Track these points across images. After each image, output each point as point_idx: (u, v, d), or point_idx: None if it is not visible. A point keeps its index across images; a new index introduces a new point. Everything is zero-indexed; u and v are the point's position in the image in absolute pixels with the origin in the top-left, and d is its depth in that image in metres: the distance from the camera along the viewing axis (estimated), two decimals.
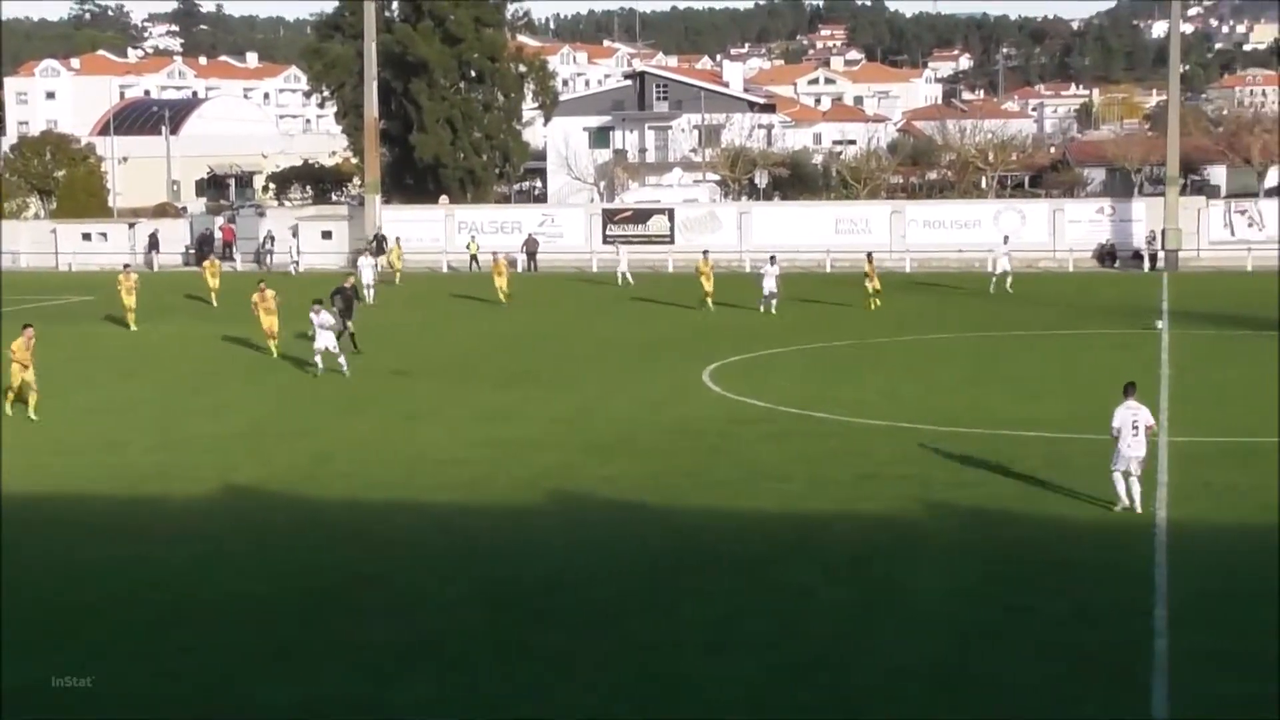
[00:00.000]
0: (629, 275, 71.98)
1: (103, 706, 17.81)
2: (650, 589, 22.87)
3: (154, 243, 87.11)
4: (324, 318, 43.25)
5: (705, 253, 63.10)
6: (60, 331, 52.11)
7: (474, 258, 79.75)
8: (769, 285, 56.80)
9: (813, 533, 26.06)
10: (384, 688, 18.81)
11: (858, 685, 18.63)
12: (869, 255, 60.10)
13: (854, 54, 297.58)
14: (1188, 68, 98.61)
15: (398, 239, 77.41)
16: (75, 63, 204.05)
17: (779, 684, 18.75)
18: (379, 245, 79.01)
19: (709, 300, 59.03)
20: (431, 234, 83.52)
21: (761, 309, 56.48)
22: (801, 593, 22.29)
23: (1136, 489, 24.59)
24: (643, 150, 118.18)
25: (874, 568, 23.68)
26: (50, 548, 25.62)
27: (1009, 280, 64.18)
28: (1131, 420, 23.97)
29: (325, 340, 42.77)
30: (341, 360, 42.74)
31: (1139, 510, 24.62)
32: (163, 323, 56.20)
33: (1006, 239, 71.24)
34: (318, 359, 42.76)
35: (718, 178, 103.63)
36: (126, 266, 62.34)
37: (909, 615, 21.32)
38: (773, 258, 58.65)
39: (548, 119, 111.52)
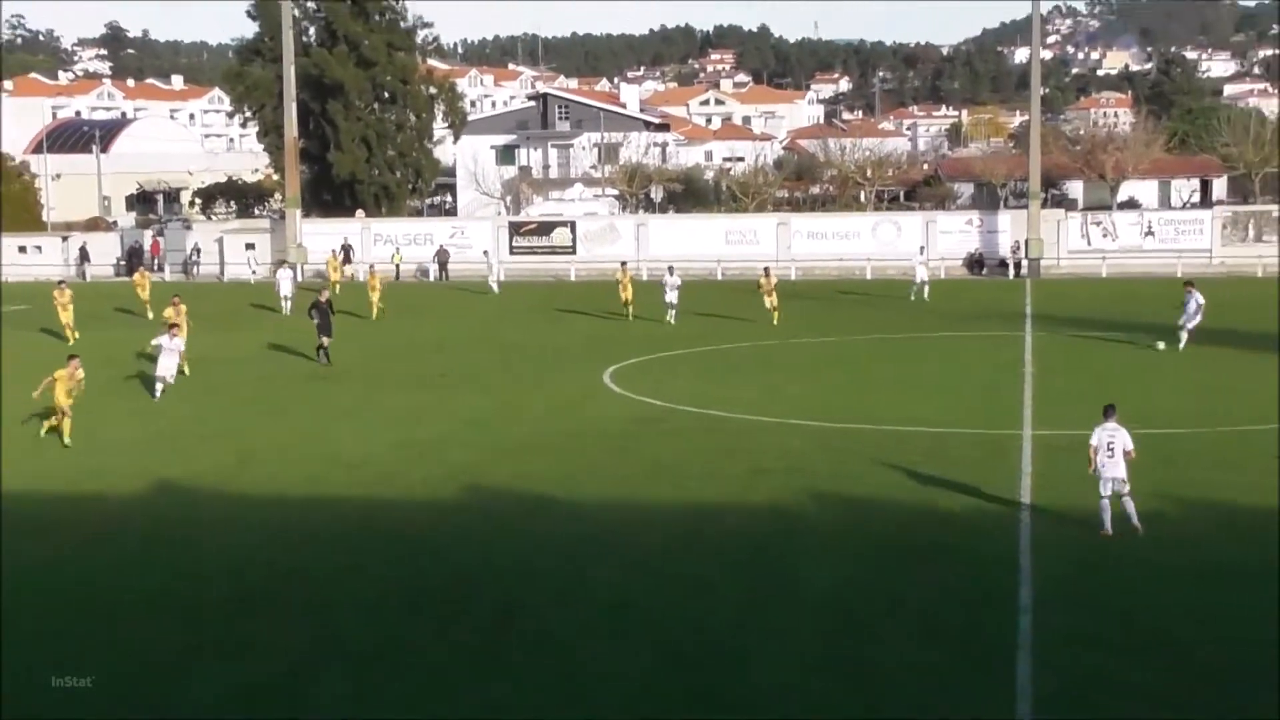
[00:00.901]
0: (495, 285, 71.74)
1: (23, 704, 17.50)
2: (558, 581, 22.77)
3: (85, 255, 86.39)
4: (176, 341, 40.25)
5: (623, 264, 61.77)
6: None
7: (398, 267, 79.67)
8: (671, 294, 55.55)
9: (708, 524, 26.04)
10: (303, 683, 18.68)
11: (752, 673, 18.66)
12: (766, 270, 58.36)
13: (742, 77, 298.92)
14: (1047, 91, 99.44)
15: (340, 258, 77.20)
16: (8, 84, 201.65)
17: (678, 672, 18.72)
18: (346, 255, 79.77)
19: (629, 307, 57.41)
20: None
21: (667, 318, 55.36)
22: (698, 583, 22.25)
23: (1130, 506, 23.26)
24: (546, 167, 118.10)
25: (765, 557, 23.71)
26: None
27: (926, 289, 63.90)
28: (1108, 441, 23.17)
29: (167, 366, 39.67)
30: (167, 383, 39.79)
31: (1138, 528, 23.20)
32: (97, 332, 55.48)
33: (922, 249, 71.95)
34: (159, 385, 39.65)
35: (616, 192, 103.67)
36: (61, 283, 60.67)
37: (795, 600, 21.41)
38: (671, 268, 57.85)
39: (457, 137, 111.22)
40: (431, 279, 71.42)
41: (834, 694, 17.89)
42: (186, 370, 41.96)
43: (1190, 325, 45.34)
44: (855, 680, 18.33)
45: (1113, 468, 22.53)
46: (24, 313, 62.29)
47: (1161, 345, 44.96)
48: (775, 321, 54.19)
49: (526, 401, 39.30)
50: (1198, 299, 45.14)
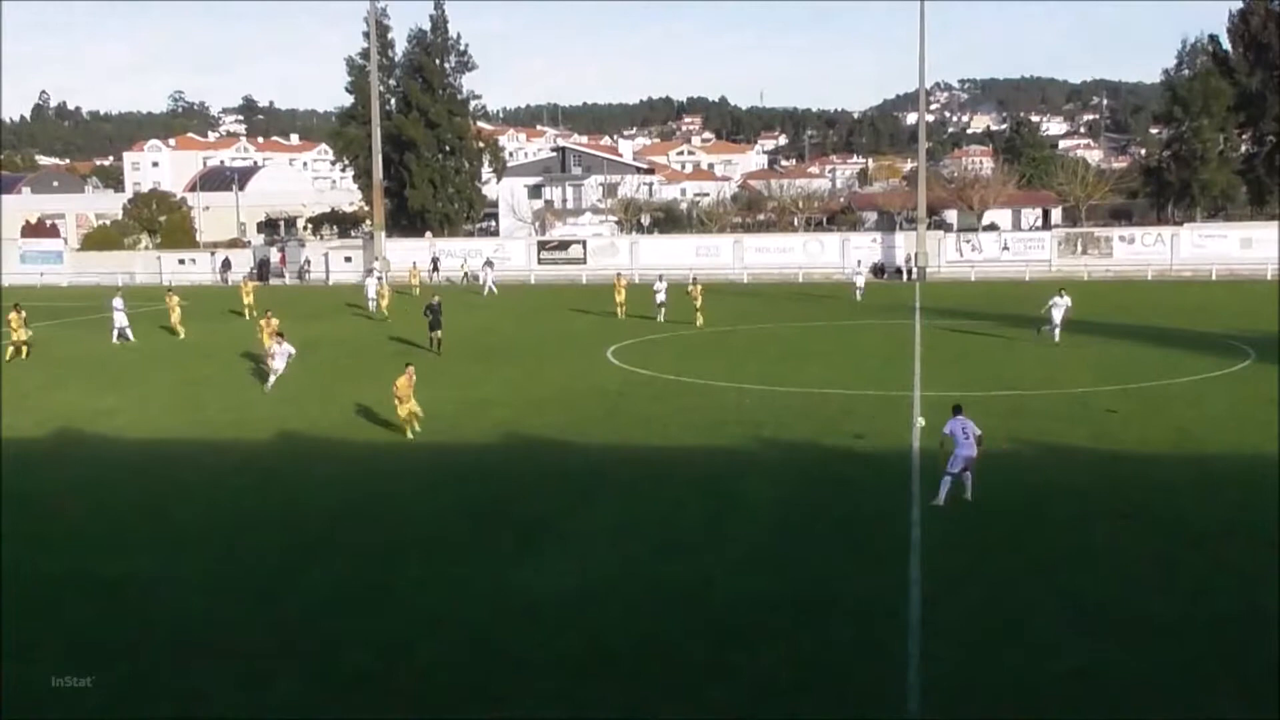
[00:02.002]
0: (494, 288, 70.60)
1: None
2: (571, 500, 22.90)
3: (227, 264, 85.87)
4: (285, 347, 36.38)
5: (619, 275, 59.63)
6: (155, 329, 51.83)
7: (465, 274, 78.83)
8: (660, 296, 53.61)
9: (681, 459, 26.15)
10: (388, 571, 18.84)
11: (712, 560, 18.79)
12: (694, 279, 56.29)
13: (707, 134, 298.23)
14: (931, 144, 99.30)
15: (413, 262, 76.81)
16: (172, 142, 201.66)
17: (659, 559, 18.94)
18: (435, 265, 79.55)
19: (621, 309, 54.49)
20: (421, 259, 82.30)
21: (659, 317, 52.27)
22: (674, 501, 22.37)
23: (969, 479, 21.64)
24: (564, 200, 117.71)
25: (723, 483, 23.78)
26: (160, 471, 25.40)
27: (860, 293, 62.04)
28: (962, 428, 21.59)
29: (279, 365, 35.98)
30: (279, 374, 35.90)
31: (969, 498, 21.61)
32: (226, 324, 55.48)
33: (860, 262, 71.35)
34: (271, 378, 35.96)
35: (616, 219, 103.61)
36: (170, 288, 58.49)
37: (746, 514, 21.53)
38: (661, 276, 56.46)
39: (499, 179, 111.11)
40: (481, 282, 71.17)
41: (772, 577, 18.05)
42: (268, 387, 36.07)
43: (1059, 320, 42.96)
44: (787, 568, 18.49)
45: (968, 448, 21.26)
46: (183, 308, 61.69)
47: (1049, 332, 42.86)
48: (699, 322, 50.29)
49: (548, 371, 39.26)
50: (1067, 301, 43.38)
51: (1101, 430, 27.89)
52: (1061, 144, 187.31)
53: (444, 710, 13.91)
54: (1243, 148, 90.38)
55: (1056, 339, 42.48)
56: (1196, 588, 17.29)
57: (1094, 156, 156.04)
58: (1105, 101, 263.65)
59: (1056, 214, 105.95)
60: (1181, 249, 74.74)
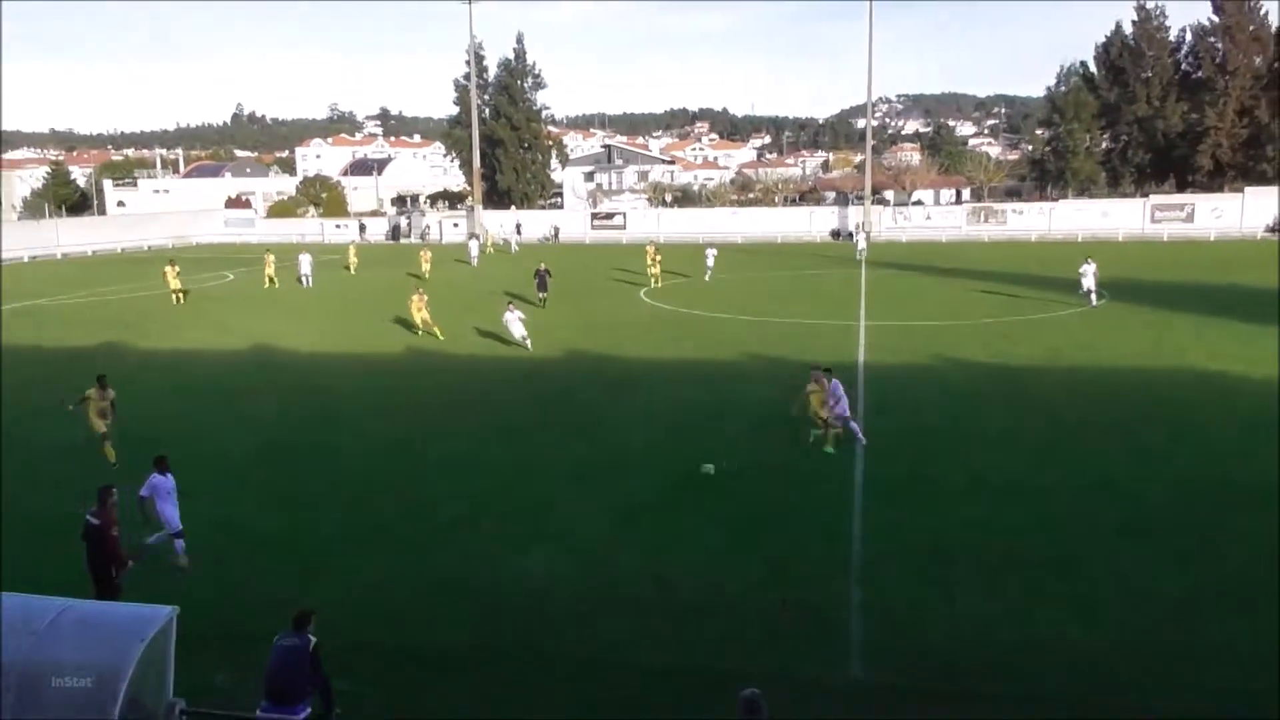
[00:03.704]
0: (514, 245, 68.07)
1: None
2: (607, 396, 22.78)
3: (363, 228, 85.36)
4: (517, 314, 29.35)
5: (652, 246, 50.01)
6: (324, 270, 51.42)
7: (553, 234, 78.45)
8: (710, 261, 47.26)
9: (694, 369, 25.87)
10: (481, 445, 18.83)
11: (711, 441, 18.64)
12: (652, 243, 50.94)
13: (713, 135, 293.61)
14: (875, 142, 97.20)
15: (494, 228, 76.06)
16: (329, 140, 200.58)
17: (672, 437, 18.76)
18: (518, 228, 75.91)
19: (656, 280, 45.56)
20: (507, 223, 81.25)
21: (706, 277, 46.09)
22: (689, 401, 22.16)
23: (856, 426, 18.40)
24: (610, 184, 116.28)
25: (722, 385, 23.61)
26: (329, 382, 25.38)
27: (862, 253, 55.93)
28: (834, 392, 18.55)
29: (517, 329, 28.90)
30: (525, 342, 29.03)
31: (830, 451, 17.96)
32: (383, 270, 55.37)
33: (859, 226, 67.00)
34: (526, 341, 28.74)
35: (647, 197, 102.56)
36: (268, 251, 52.48)
37: (737, 410, 21.20)
38: (711, 244, 50.03)
39: (563, 168, 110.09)
40: (549, 242, 70.38)
41: (752, 454, 17.87)
42: (529, 344, 28.97)
43: (1091, 285, 34.89)
44: (768, 449, 18.30)
45: (843, 409, 18.51)
46: (335, 260, 60.95)
47: (1084, 296, 34.89)
48: (656, 284, 44.29)
49: (595, 307, 38.93)
50: (1093, 267, 35.19)
51: (995, 350, 27.49)
52: (971, 142, 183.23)
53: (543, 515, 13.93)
54: (1103, 144, 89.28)
55: (1094, 303, 34.25)
56: (1066, 464, 17.07)
57: (995, 151, 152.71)
58: (1003, 110, 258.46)
59: (966, 193, 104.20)
60: (1055, 220, 73.33)
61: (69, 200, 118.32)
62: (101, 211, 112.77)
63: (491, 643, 11.16)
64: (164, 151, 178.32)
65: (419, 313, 32.02)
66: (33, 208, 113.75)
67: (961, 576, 12.59)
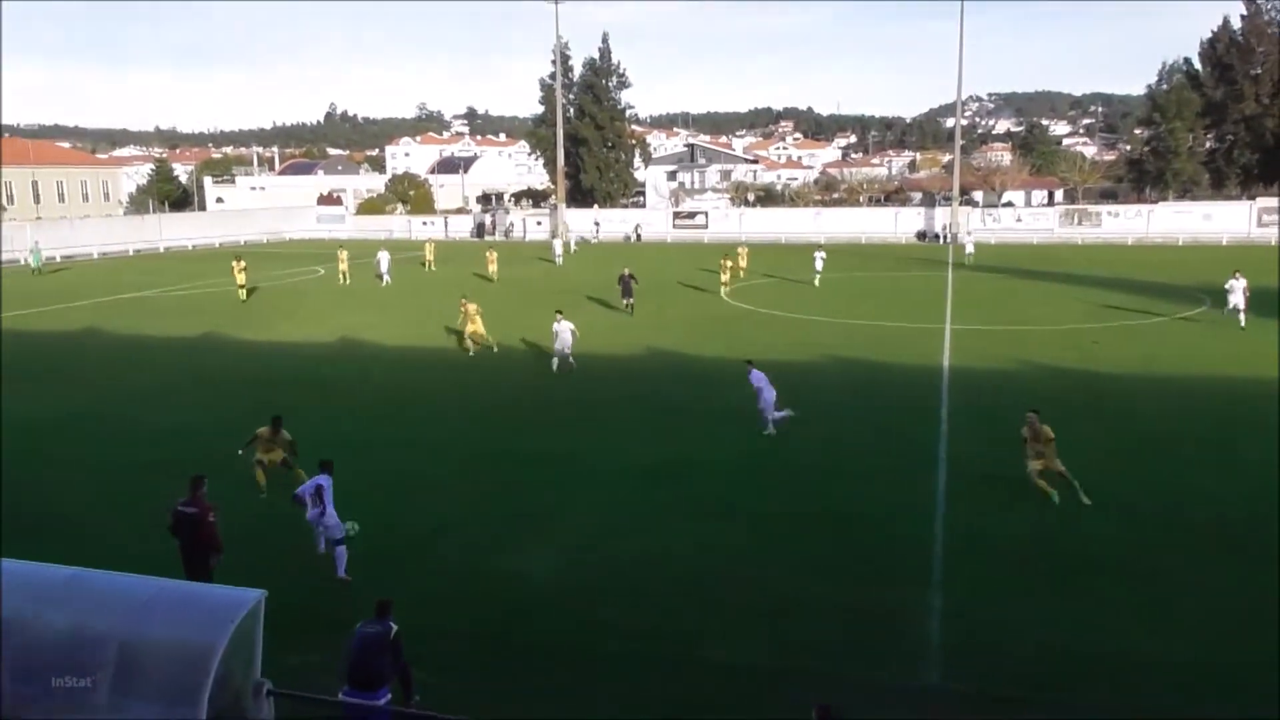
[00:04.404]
0: (573, 245, 67.03)
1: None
2: (681, 388, 22.73)
3: (447, 224, 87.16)
4: (563, 325, 26.04)
5: (737, 253, 47.42)
6: (402, 267, 52.44)
7: (635, 233, 78.83)
8: (819, 264, 45.01)
9: (769, 369, 25.61)
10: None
11: (780, 439, 18.45)
12: (740, 250, 48.74)
13: (797, 134, 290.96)
14: (965, 141, 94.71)
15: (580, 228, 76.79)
16: (418, 138, 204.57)
17: (744, 436, 18.67)
18: (597, 228, 78.00)
19: (739, 275, 45.28)
20: (589, 221, 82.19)
21: (815, 282, 44.25)
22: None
23: (782, 416, 18.73)
24: (693, 183, 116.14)
25: (798, 380, 23.14)
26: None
27: (969, 256, 54.10)
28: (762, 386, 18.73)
29: (564, 339, 25.77)
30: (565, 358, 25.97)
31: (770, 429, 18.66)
32: (461, 267, 56.23)
33: (970, 232, 63.56)
34: (568, 358, 25.84)
35: (730, 196, 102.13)
36: (341, 247, 52.36)
37: (810, 398, 20.75)
38: (820, 246, 48.71)
39: (646, 166, 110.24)
40: (631, 241, 70.59)
41: (820, 454, 17.72)
42: (555, 364, 26.16)
43: (1240, 304, 30.52)
44: (836, 447, 18.10)
45: (766, 400, 18.64)
46: (416, 255, 62.10)
47: (1232, 314, 30.80)
48: (725, 293, 41.36)
49: (677, 304, 39.01)
50: (1243, 282, 30.89)
51: (1087, 355, 26.73)
52: (1065, 141, 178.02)
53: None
54: (1207, 144, 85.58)
55: (1242, 323, 29.92)
56: (1152, 473, 16.53)
57: (1090, 151, 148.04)
58: (1100, 109, 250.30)
59: (1059, 195, 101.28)
60: (1154, 223, 70.76)
61: (171, 196, 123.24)
62: (202, 207, 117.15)
63: (576, 637, 11.30)
64: (260, 149, 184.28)
65: (471, 325, 28.25)
66: (137, 203, 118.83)
67: (1041, 584, 12.35)
